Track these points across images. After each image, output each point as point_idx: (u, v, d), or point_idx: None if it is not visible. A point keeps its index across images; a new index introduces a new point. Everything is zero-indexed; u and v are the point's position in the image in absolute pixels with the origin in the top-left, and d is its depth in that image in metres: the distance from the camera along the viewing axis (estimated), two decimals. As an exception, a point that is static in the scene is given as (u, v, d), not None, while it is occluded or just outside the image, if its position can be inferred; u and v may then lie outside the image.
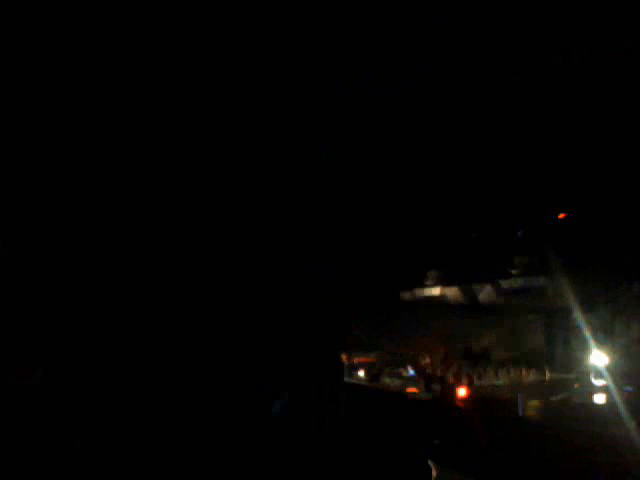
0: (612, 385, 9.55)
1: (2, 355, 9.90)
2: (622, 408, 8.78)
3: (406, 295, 13.92)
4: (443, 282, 13.15)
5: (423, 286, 13.54)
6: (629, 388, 9.27)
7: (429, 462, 7.73)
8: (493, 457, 8.00)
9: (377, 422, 9.57)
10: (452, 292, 12.89)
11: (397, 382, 12.42)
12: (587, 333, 10.45)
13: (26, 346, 10.19)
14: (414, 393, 11.59)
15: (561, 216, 11.49)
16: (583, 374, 10.05)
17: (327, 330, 11.40)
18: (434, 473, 7.62)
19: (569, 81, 10.20)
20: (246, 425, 9.30)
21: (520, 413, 9.42)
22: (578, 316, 10.62)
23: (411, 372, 12.46)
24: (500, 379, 11.59)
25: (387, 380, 12.53)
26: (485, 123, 11.13)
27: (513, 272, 12.12)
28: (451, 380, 11.16)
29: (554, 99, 10.40)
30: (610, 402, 9.20)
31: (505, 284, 12.20)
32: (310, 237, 12.14)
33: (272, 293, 11.55)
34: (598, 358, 10.08)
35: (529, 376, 11.59)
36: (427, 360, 12.20)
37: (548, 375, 11.31)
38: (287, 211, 12.04)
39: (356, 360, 12.73)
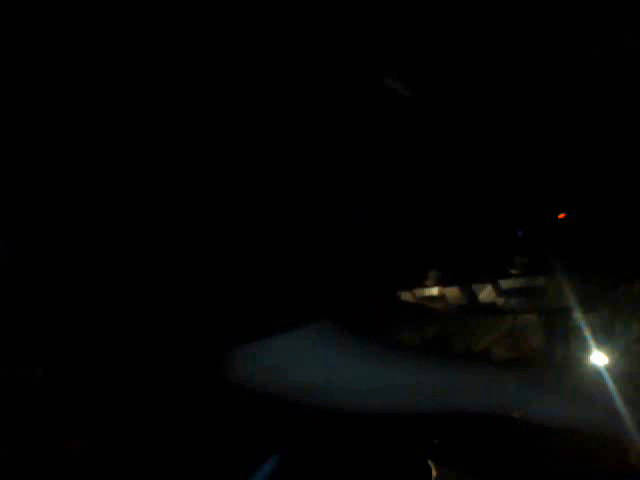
0: (612, 385, 9.47)
1: (1, 354, 9.86)
2: (622, 408, 8.73)
3: (406, 295, 13.83)
4: (443, 282, 13.04)
5: (423, 286, 13.43)
6: (629, 388, 9.19)
7: (429, 462, 7.68)
8: (493, 457, 7.95)
9: (376, 421, 9.51)
10: (452, 292, 12.80)
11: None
12: (587, 333, 10.36)
13: (26, 345, 10.16)
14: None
15: (561, 216, 11.40)
16: (583, 374, 9.99)
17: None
18: (434, 473, 7.57)
19: (569, 81, 10.17)
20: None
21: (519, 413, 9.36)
22: (578, 316, 10.51)
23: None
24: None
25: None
26: (485, 122, 11.10)
27: (513, 272, 11.98)
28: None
29: (554, 99, 10.36)
30: (610, 402, 9.13)
31: (505, 284, 12.07)
32: (308, 239, 12.08)
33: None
34: (598, 358, 10.03)
35: (529, 376, 11.52)
36: None
37: (548, 375, 11.25)
38: (283, 210, 11.98)
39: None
